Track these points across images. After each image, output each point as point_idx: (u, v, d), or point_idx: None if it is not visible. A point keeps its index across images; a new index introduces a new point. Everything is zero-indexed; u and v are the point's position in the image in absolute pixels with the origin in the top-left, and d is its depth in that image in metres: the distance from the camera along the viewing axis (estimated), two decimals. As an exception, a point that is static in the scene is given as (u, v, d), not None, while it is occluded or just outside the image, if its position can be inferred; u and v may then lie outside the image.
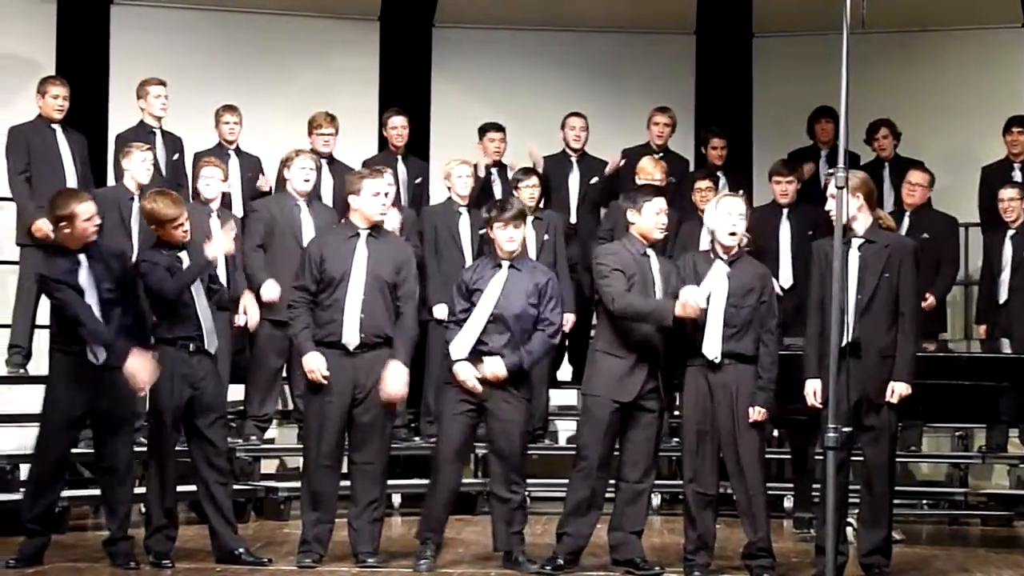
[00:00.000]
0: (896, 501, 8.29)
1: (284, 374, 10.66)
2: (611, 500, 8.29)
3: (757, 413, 7.95)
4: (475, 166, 11.13)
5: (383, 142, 12.01)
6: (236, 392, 10.72)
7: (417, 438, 11.03)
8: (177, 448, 8.41)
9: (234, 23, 12.81)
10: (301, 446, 8.99)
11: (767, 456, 8.41)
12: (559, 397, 11.57)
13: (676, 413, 8.42)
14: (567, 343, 11.51)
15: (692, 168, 12.28)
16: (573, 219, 11.67)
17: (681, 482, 8.20)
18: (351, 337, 8.25)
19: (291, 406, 10.97)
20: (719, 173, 11.78)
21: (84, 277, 8.05)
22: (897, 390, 7.85)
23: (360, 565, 8.28)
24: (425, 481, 8.62)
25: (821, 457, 6.69)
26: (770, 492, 8.30)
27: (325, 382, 8.23)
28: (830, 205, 7.82)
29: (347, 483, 8.43)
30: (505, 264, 8.33)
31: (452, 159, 11.12)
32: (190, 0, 12.76)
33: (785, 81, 13.14)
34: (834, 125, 11.93)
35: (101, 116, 12.01)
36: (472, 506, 10.37)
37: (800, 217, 10.93)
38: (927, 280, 10.32)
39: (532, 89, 13.25)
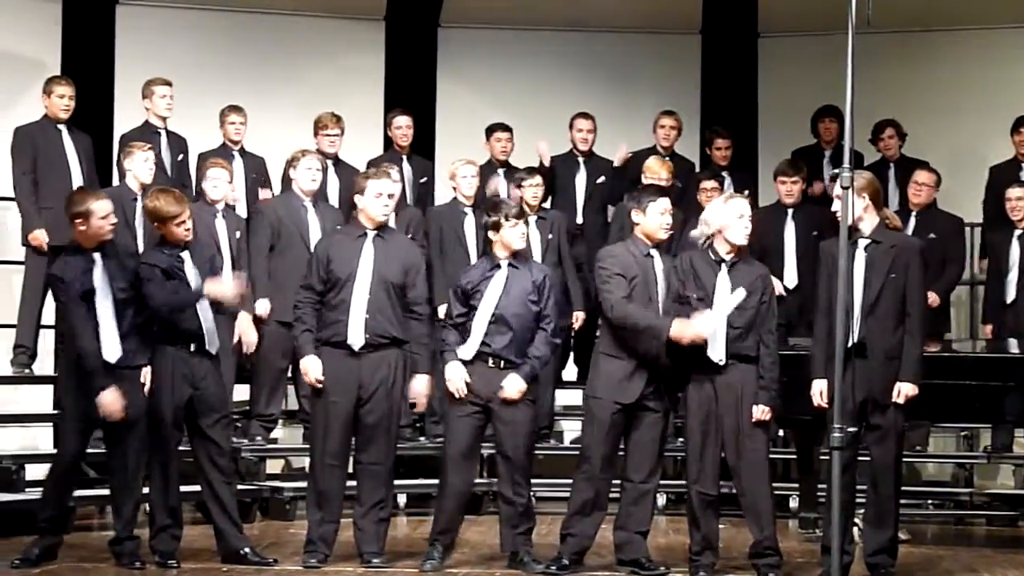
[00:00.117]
0: (901, 501, 8.28)
1: (290, 374, 10.66)
2: (616, 500, 8.28)
3: (761, 412, 7.95)
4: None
5: (388, 142, 12.01)
6: (242, 392, 10.74)
7: (422, 438, 11.04)
8: (181, 448, 8.42)
9: (239, 23, 12.81)
10: (307, 446, 9.00)
11: (772, 456, 8.40)
12: (564, 397, 11.57)
13: (680, 414, 8.39)
14: (572, 343, 11.53)
15: (697, 169, 12.29)
16: (579, 219, 11.68)
17: (686, 482, 8.19)
18: (356, 338, 8.26)
19: (297, 406, 10.97)
20: (724, 173, 11.77)
21: (99, 276, 8.07)
22: (903, 391, 7.83)
23: (365, 565, 8.28)
24: (431, 481, 8.64)
25: (827, 457, 6.69)
26: (775, 492, 8.29)
27: (320, 386, 8.26)
28: (836, 205, 7.82)
29: (353, 483, 8.44)
30: (504, 263, 8.33)
31: (457, 159, 11.13)
32: (195, 0, 12.76)
33: (790, 81, 13.13)
34: (837, 124, 11.93)
35: (106, 116, 12.02)
36: (478, 506, 10.37)
37: (805, 217, 10.93)
38: (933, 280, 10.30)
39: (537, 89, 13.25)
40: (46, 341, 10.59)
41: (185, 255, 8.33)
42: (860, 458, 8.00)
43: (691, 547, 8.12)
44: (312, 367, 8.32)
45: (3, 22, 11.93)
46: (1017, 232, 10.68)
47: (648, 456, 8.17)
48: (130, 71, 11.93)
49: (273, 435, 10.93)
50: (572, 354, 11.69)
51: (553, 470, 10.72)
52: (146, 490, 8.50)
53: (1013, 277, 10.67)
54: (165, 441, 8.26)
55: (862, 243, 7.85)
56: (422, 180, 11.77)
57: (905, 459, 8.70)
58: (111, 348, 8.06)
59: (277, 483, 10.73)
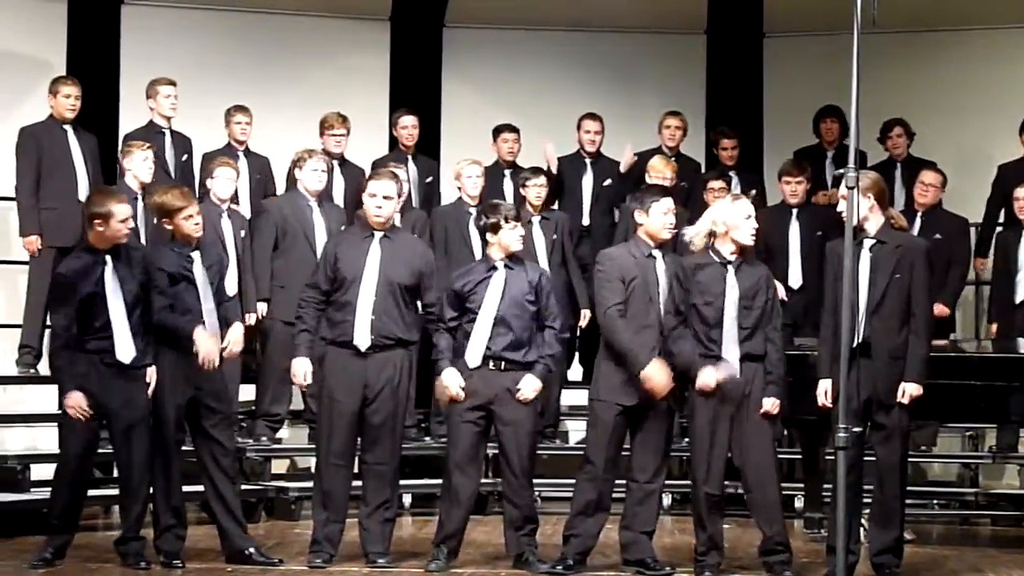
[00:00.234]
0: (907, 501, 8.27)
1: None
2: (621, 500, 8.28)
3: (772, 404, 7.94)
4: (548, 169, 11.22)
5: (393, 142, 12.01)
6: (247, 392, 10.75)
7: (427, 438, 11.04)
8: (184, 448, 8.43)
9: (244, 23, 12.82)
10: (312, 446, 8.99)
11: (777, 456, 8.39)
12: (569, 397, 11.56)
13: (684, 414, 8.39)
14: (578, 344, 11.53)
15: (703, 169, 12.29)
16: (586, 220, 11.69)
17: (691, 482, 8.19)
18: (362, 339, 8.25)
19: (302, 406, 10.97)
20: (732, 173, 11.77)
21: (109, 278, 8.07)
22: (908, 391, 7.83)
23: (371, 565, 8.29)
24: (436, 481, 8.63)
25: (832, 457, 6.68)
26: (781, 492, 8.29)
27: (305, 388, 8.25)
28: (841, 205, 7.82)
29: (359, 483, 8.44)
30: (501, 265, 8.32)
31: (462, 159, 11.13)
32: (200, 0, 12.76)
33: (796, 81, 13.12)
34: (839, 124, 11.95)
35: (111, 116, 12.01)
36: (483, 506, 10.36)
37: (810, 217, 10.93)
38: (938, 281, 10.28)
39: (542, 89, 13.24)
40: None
41: (195, 255, 8.33)
42: (866, 458, 8.01)
43: (697, 547, 8.12)
44: (301, 369, 8.37)
45: (8, 22, 11.94)
46: (1025, 232, 10.69)
47: (653, 456, 8.17)
48: (135, 71, 11.94)
49: (278, 435, 10.94)
50: (577, 354, 11.69)
51: (558, 470, 10.71)
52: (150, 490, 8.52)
53: (1022, 277, 10.65)
54: (168, 441, 8.27)
55: (867, 243, 7.85)
56: (427, 180, 11.77)
57: (910, 459, 8.69)
58: (125, 349, 8.07)
59: (282, 483, 10.73)
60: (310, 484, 8.74)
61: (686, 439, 9.57)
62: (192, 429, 8.38)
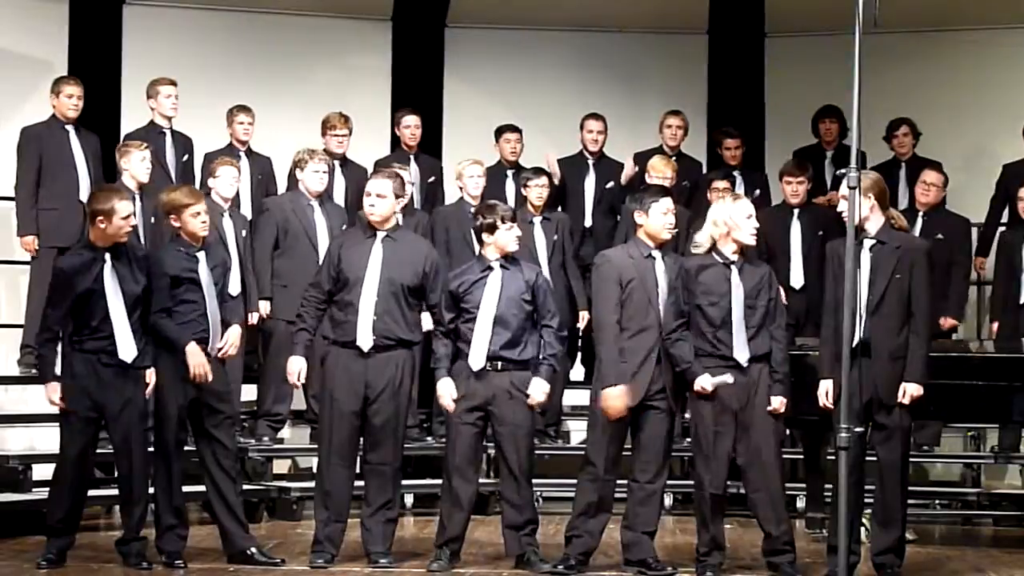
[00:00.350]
0: (909, 501, 8.27)
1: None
2: (623, 500, 8.28)
3: (779, 404, 7.95)
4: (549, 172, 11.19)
5: (395, 142, 12.01)
6: (249, 392, 10.75)
7: (429, 438, 11.04)
8: (187, 448, 8.43)
9: (246, 23, 12.81)
10: (314, 446, 8.99)
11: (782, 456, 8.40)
12: (571, 397, 11.56)
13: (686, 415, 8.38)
14: (580, 344, 11.53)
15: (705, 169, 12.29)
16: (588, 222, 11.69)
17: (693, 482, 8.18)
18: (364, 339, 8.25)
19: (304, 406, 10.97)
20: (736, 173, 11.77)
21: (108, 276, 8.06)
22: (909, 391, 7.83)
23: (373, 565, 8.29)
24: (438, 481, 8.62)
25: (833, 457, 6.68)
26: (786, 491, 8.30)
27: (298, 387, 8.29)
28: (842, 206, 7.82)
29: (361, 483, 8.44)
30: (497, 265, 8.32)
31: (464, 159, 11.13)
32: (202, 0, 12.76)
33: (798, 81, 13.11)
34: (838, 124, 11.96)
35: (113, 117, 11.99)
36: (484, 506, 10.36)
37: (811, 217, 10.92)
38: (941, 281, 10.28)
39: (544, 89, 13.24)
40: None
41: (201, 255, 8.33)
42: (867, 458, 8.00)
43: (699, 547, 8.11)
44: (296, 367, 8.38)
45: (9, 22, 11.93)
46: (1029, 232, 10.69)
47: (655, 456, 8.16)
48: (137, 71, 11.93)
49: (280, 435, 10.95)
50: (580, 354, 11.69)
51: (560, 470, 10.71)
52: (150, 490, 8.52)
53: (1026, 277, 10.67)
54: (170, 441, 8.27)
55: (867, 243, 7.84)
56: (430, 180, 11.77)
57: (912, 459, 8.69)
58: (126, 347, 8.08)
59: (284, 483, 10.73)
60: (312, 484, 8.74)
61: (687, 439, 9.57)
62: (194, 429, 8.38)
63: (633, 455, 8.22)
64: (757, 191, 11.58)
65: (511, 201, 11.29)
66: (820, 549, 8.62)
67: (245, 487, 9.70)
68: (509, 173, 11.67)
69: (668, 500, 10.52)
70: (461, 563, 8.39)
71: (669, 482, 8.75)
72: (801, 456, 9.91)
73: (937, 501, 11.12)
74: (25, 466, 9.64)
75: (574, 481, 8.39)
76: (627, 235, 9.07)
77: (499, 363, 8.21)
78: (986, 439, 11.40)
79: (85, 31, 12.22)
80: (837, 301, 7.77)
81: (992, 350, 10.25)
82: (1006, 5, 12.69)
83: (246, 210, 10.85)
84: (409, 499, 10.84)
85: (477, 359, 8.20)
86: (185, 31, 12.62)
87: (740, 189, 11.29)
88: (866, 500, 8.24)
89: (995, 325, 10.92)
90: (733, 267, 8.01)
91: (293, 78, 12.78)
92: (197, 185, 10.69)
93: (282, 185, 11.30)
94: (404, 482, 8.99)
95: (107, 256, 8.10)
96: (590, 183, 11.78)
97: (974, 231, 11.40)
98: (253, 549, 8.42)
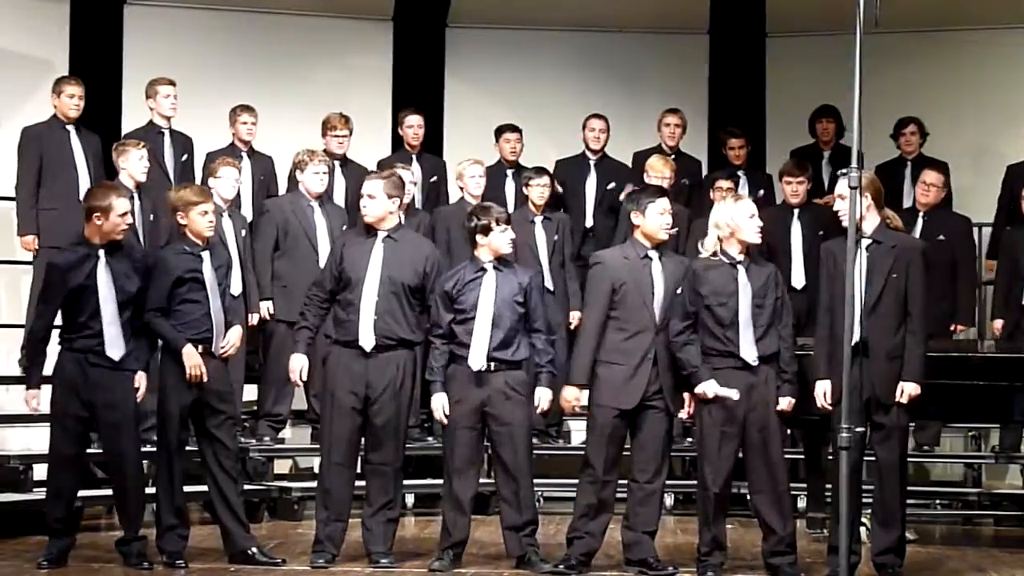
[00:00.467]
0: (909, 501, 8.27)
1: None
2: (624, 500, 8.28)
3: (787, 403, 7.95)
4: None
5: (396, 142, 12.02)
6: (250, 392, 10.75)
7: (430, 438, 11.03)
8: (188, 448, 8.43)
9: (247, 23, 12.82)
10: (315, 446, 8.99)
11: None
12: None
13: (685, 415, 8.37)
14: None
15: (705, 168, 12.29)
16: (589, 222, 11.69)
17: (694, 482, 8.17)
18: (366, 339, 8.26)
19: (305, 406, 10.97)
20: (740, 173, 11.77)
21: (102, 273, 8.06)
22: (906, 390, 7.84)
23: (373, 565, 8.29)
24: (439, 481, 8.61)
25: (833, 457, 6.68)
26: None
27: (299, 385, 8.26)
28: (839, 205, 7.82)
29: (362, 483, 8.44)
30: (491, 267, 8.31)
31: (465, 159, 11.13)
32: (203, 0, 12.77)
33: (799, 81, 13.11)
34: (835, 124, 11.97)
35: (114, 117, 12.00)
36: (485, 506, 10.36)
37: (811, 217, 10.91)
38: (942, 282, 10.27)
39: (545, 89, 13.24)
40: (54, 341, 10.57)
41: (205, 255, 8.32)
42: (867, 458, 8.01)
43: (700, 547, 8.10)
44: (297, 364, 8.39)
45: (10, 22, 11.94)
46: (1034, 232, 10.67)
47: (654, 456, 8.15)
48: (138, 71, 11.92)
49: (281, 435, 10.95)
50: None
51: (561, 470, 10.71)
52: (152, 490, 8.51)
53: (1030, 278, 10.65)
54: (171, 441, 8.27)
55: (864, 243, 7.82)
56: (432, 179, 11.77)
57: (913, 459, 8.70)
58: (114, 345, 8.07)
59: (285, 483, 10.73)
60: (313, 484, 8.75)
61: (688, 439, 9.57)
62: (196, 429, 8.38)
63: (632, 455, 8.21)
64: (761, 191, 11.58)
65: (511, 201, 11.30)
66: (821, 549, 8.62)
67: (246, 487, 9.72)
68: (509, 173, 11.67)
69: (669, 500, 10.51)
70: (462, 563, 8.39)
71: (669, 482, 8.75)
72: (801, 456, 9.90)
73: (938, 501, 11.12)
74: (25, 466, 9.64)
75: (575, 481, 8.39)
76: (626, 235, 9.09)
77: (493, 364, 8.21)
78: (987, 439, 11.40)
79: (86, 31, 12.23)
80: (832, 301, 7.79)
81: (993, 350, 10.24)
82: (1007, 5, 12.70)
83: (247, 210, 10.85)
84: (410, 499, 10.84)
85: (477, 360, 8.20)
86: (186, 31, 12.63)
87: (744, 189, 11.28)
88: (866, 500, 8.24)
89: (997, 323, 10.91)
90: (740, 267, 8.01)
91: (294, 78, 12.79)
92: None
93: (282, 186, 11.30)
94: (405, 482, 8.99)
95: (101, 253, 8.10)
96: (591, 183, 11.78)
97: (975, 231, 11.38)
98: (254, 549, 8.42)
